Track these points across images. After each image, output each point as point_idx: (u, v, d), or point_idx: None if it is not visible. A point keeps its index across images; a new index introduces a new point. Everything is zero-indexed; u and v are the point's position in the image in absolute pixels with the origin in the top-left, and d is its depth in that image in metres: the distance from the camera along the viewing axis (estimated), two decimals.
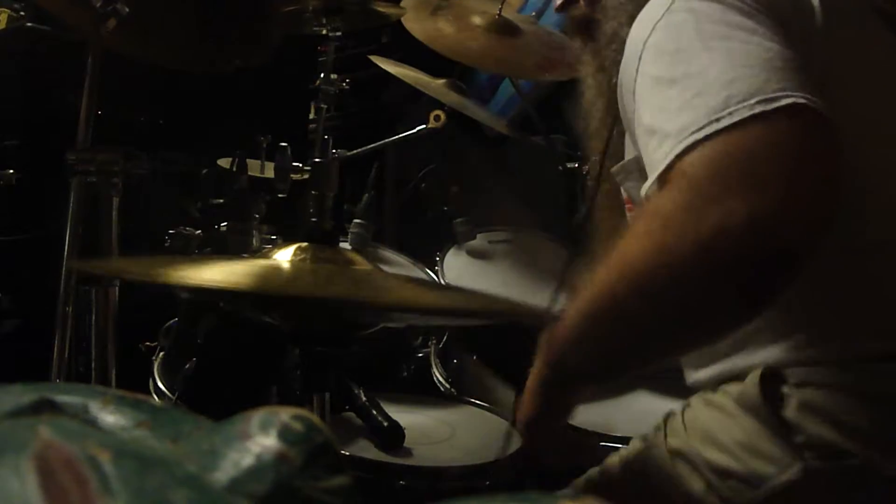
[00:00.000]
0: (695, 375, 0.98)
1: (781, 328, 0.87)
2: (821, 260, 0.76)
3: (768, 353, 0.87)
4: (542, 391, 0.94)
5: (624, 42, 0.93)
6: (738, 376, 0.89)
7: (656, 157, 0.79)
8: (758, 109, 0.73)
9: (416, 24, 1.81)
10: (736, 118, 0.73)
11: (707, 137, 0.74)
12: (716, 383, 0.93)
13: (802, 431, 0.82)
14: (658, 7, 0.86)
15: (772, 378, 0.85)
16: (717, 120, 0.74)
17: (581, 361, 0.88)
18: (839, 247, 0.83)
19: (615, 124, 1.00)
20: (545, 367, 0.93)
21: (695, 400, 0.95)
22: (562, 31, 2.32)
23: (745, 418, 0.86)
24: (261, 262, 0.82)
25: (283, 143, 1.63)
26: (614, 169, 1.02)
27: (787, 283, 0.74)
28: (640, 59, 0.85)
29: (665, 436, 0.94)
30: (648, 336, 0.81)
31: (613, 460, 1.00)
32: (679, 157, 0.75)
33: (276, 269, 0.80)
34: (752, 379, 0.86)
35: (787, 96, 0.74)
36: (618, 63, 0.94)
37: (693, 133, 0.75)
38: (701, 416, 0.92)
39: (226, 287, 0.70)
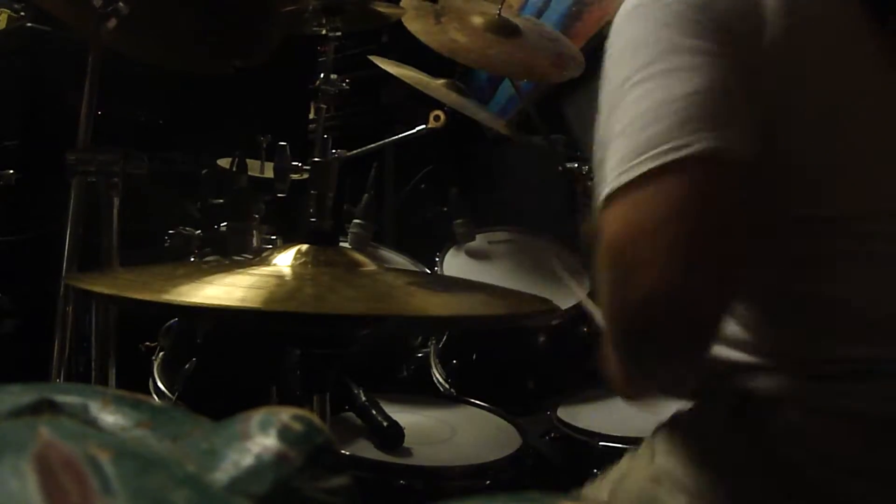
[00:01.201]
0: None
1: (744, 333, 0.87)
2: (781, 272, 0.77)
3: (736, 354, 0.87)
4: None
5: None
6: (711, 379, 0.89)
7: (598, 190, 0.80)
8: (669, 158, 0.73)
9: (431, 38, 1.79)
10: (644, 168, 0.74)
11: (620, 188, 0.75)
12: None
13: (781, 454, 0.81)
14: (623, 7, 0.85)
15: (750, 399, 0.85)
16: (630, 168, 0.74)
17: None
18: (796, 262, 0.83)
19: None
20: None
21: (682, 416, 0.95)
22: (562, 30, 2.33)
23: (725, 438, 0.86)
24: (264, 272, 0.81)
25: (283, 143, 1.63)
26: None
27: (702, 347, 0.77)
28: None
29: (653, 455, 0.93)
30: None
31: (599, 486, 1.00)
32: (606, 202, 0.77)
33: (281, 283, 0.79)
34: (724, 402, 0.86)
35: (701, 139, 0.73)
36: None
37: (614, 178, 0.75)
38: (684, 437, 0.91)
39: (229, 306, 0.70)
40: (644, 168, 0.74)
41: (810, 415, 0.82)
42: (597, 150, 0.83)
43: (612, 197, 0.75)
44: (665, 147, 0.74)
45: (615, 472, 0.98)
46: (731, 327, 0.87)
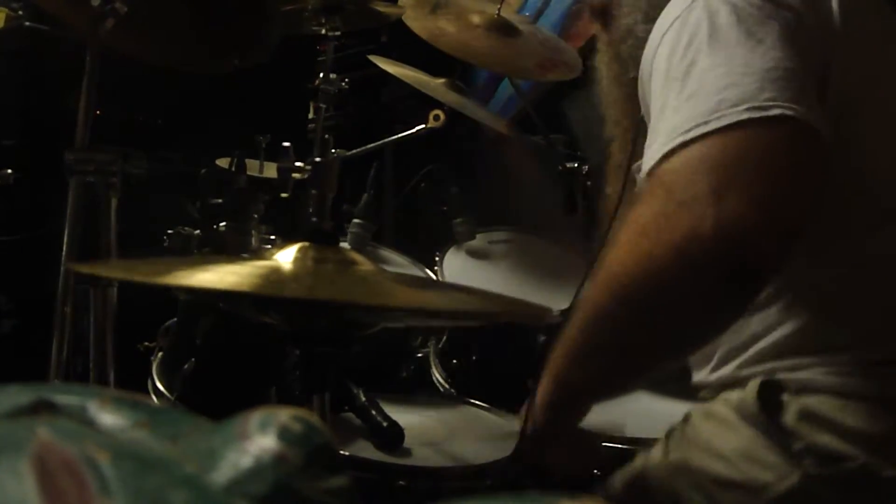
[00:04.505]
0: (698, 376, 0.98)
1: (782, 336, 0.87)
2: (819, 271, 0.77)
3: (772, 365, 0.87)
4: (550, 408, 0.94)
5: (639, 38, 0.94)
6: (738, 383, 0.89)
7: (648, 156, 0.80)
8: (745, 116, 0.74)
9: (417, 23, 1.80)
10: (723, 122, 0.74)
11: (691, 140, 0.75)
12: (718, 386, 0.93)
13: (801, 438, 0.83)
14: (680, 3, 0.86)
15: (770, 387, 0.85)
16: (705, 123, 0.75)
17: (584, 377, 0.89)
18: (838, 258, 0.84)
19: (639, 122, 1.00)
20: (552, 385, 0.93)
21: (695, 412, 0.95)
22: (559, 33, 2.33)
23: (744, 428, 0.86)
24: (263, 264, 0.81)
25: (286, 144, 1.63)
26: (635, 166, 1.02)
27: (762, 285, 0.77)
28: (656, 53, 0.86)
29: (667, 451, 0.94)
30: (641, 344, 0.84)
31: (615, 480, 1.00)
32: (664, 157, 0.77)
33: (281, 273, 0.79)
34: (751, 388, 0.86)
35: (778, 106, 0.74)
36: (634, 58, 0.94)
37: (680, 135, 0.76)
38: (701, 428, 0.92)
39: (225, 289, 0.70)
40: (727, 121, 0.74)
41: (841, 399, 0.83)
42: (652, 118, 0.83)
43: (689, 143, 0.75)
44: (746, 105, 0.74)
45: (628, 469, 0.98)
46: (768, 322, 0.87)
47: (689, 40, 0.83)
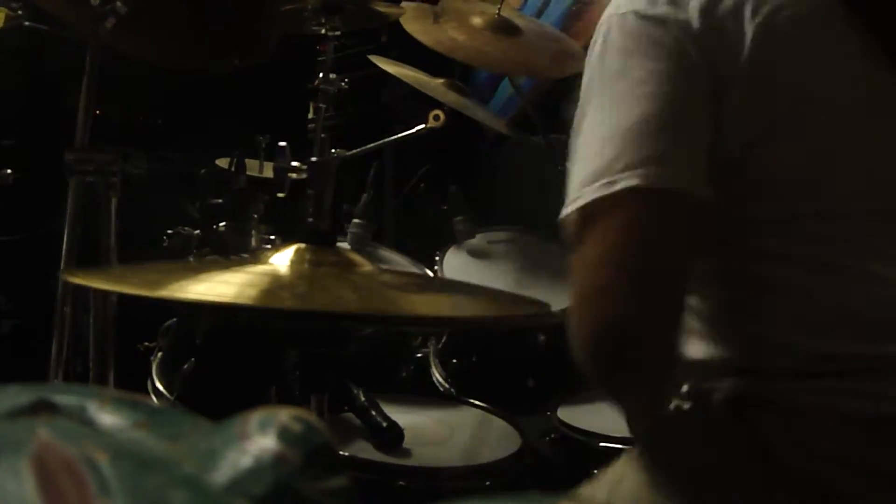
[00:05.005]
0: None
1: (736, 333, 0.87)
2: (780, 275, 0.80)
3: (728, 355, 0.87)
4: None
5: None
6: (709, 378, 0.88)
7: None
8: (597, 194, 0.79)
9: (427, 36, 1.79)
10: (579, 204, 0.81)
11: (569, 217, 0.83)
12: (698, 369, 0.92)
13: (780, 457, 0.81)
14: (601, 23, 0.86)
15: (742, 401, 0.84)
16: (576, 199, 0.82)
17: None
18: (797, 266, 0.83)
19: None
20: None
21: (665, 423, 0.94)
22: (561, 30, 2.32)
23: (717, 443, 0.85)
24: (258, 271, 0.80)
25: (283, 143, 1.63)
26: None
27: (661, 368, 0.84)
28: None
29: (641, 461, 0.92)
30: None
31: (595, 486, 0.99)
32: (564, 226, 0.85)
33: (277, 280, 0.78)
34: (721, 402, 0.85)
35: (628, 178, 0.77)
36: None
37: (566, 205, 0.83)
38: (672, 441, 0.90)
39: (218, 301, 0.69)
40: (581, 202, 0.81)
41: (809, 416, 0.81)
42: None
43: (564, 222, 0.84)
44: (600, 182, 0.79)
45: (612, 474, 0.97)
46: (722, 328, 0.87)
47: (588, 81, 0.85)
